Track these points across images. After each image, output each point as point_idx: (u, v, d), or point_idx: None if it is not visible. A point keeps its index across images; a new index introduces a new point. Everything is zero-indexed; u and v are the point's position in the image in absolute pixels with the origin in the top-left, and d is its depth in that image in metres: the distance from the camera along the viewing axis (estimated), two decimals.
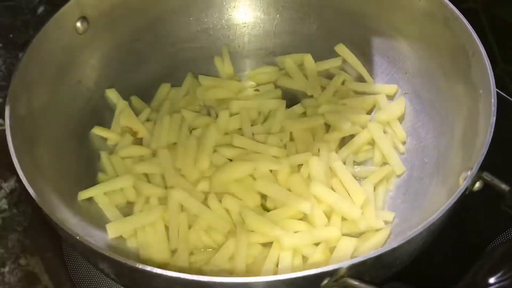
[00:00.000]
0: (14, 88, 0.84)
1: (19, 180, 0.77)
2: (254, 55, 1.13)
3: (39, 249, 0.95)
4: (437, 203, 0.84)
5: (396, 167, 0.95)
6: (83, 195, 0.90)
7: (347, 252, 0.81)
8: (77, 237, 0.67)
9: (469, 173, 0.73)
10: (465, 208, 0.74)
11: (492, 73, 0.80)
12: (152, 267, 0.62)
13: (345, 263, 0.63)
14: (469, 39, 0.86)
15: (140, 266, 0.63)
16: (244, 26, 1.12)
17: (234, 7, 1.11)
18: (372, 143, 0.98)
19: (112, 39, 1.03)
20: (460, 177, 0.77)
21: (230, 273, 0.81)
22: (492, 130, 0.74)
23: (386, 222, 0.89)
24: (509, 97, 1.03)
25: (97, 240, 0.83)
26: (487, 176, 0.72)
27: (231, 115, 1.01)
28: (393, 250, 0.65)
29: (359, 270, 0.65)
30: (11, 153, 0.77)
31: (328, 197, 0.87)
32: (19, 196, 1.00)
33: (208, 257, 0.84)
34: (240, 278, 0.63)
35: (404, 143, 0.99)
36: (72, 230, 0.70)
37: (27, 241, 0.96)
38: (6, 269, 0.92)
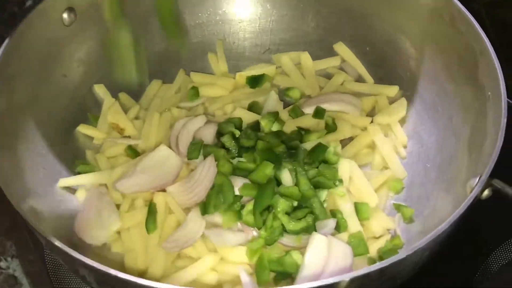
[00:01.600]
0: None
1: None
2: (249, 53, 1.09)
3: (21, 251, 0.91)
4: (440, 211, 0.82)
5: (397, 171, 0.91)
6: (63, 182, 0.87)
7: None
8: (56, 243, 0.61)
9: (477, 180, 0.69)
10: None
11: (502, 73, 0.76)
12: (137, 278, 0.57)
13: (346, 276, 0.59)
14: (476, 38, 0.82)
15: (124, 276, 0.58)
16: (240, 22, 1.08)
17: (229, 1, 1.07)
18: (372, 146, 0.94)
19: (100, 32, 0.98)
20: (467, 184, 0.73)
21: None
22: (503, 134, 0.70)
23: (388, 229, 0.85)
24: None
25: (79, 246, 0.80)
26: (497, 183, 0.67)
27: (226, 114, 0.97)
28: (399, 261, 0.61)
29: (362, 283, 0.60)
30: None
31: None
32: (1, 196, 0.95)
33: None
34: None
35: (405, 146, 0.95)
36: (50, 235, 0.65)
37: (8, 243, 0.92)
38: None
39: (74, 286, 0.88)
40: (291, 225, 0.80)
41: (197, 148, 0.90)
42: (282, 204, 0.81)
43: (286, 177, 0.85)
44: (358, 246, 0.80)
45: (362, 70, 1.03)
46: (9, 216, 0.92)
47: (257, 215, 0.81)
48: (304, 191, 0.83)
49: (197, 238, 0.81)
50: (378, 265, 0.59)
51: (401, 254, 0.61)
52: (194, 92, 1.01)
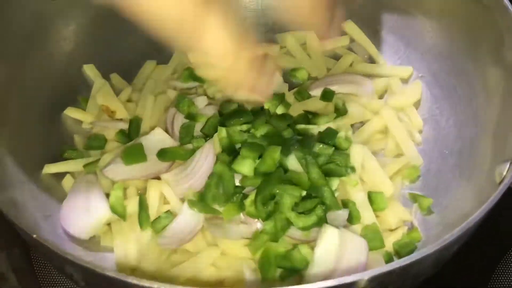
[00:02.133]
0: None
1: None
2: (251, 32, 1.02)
3: (7, 245, 0.86)
4: (461, 201, 0.76)
5: (412, 158, 0.85)
6: (49, 168, 0.82)
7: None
8: (36, 238, 0.54)
9: (508, 166, 0.62)
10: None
11: None
12: (128, 276, 0.51)
13: (366, 274, 0.52)
14: (503, 13, 0.75)
15: (113, 274, 0.51)
16: None
17: None
18: (384, 131, 0.88)
19: (90, 7, 0.92)
20: (495, 171, 0.66)
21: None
22: None
23: (404, 221, 0.79)
24: None
25: (65, 243, 0.74)
26: None
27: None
28: (423, 258, 0.54)
29: (382, 281, 0.53)
30: None
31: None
32: None
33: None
34: None
35: (420, 132, 0.88)
36: (30, 229, 0.59)
37: None
38: None
39: (61, 280, 0.83)
40: (301, 222, 0.73)
41: (190, 132, 0.83)
42: (287, 199, 0.74)
43: (294, 163, 0.77)
44: (373, 239, 0.73)
45: (373, 50, 0.97)
46: None
47: (259, 205, 0.74)
48: (314, 180, 0.76)
49: (196, 232, 0.75)
50: (401, 261, 0.53)
51: (425, 251, 0.54)
52: (189, 73, 0.94)
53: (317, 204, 0.74)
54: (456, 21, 0.86)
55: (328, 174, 0.78)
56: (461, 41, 0.86)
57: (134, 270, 0.73)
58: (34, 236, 0.56)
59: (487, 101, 0.79)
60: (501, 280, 0.83)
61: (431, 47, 0.91)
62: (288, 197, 0.74)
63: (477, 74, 0.82)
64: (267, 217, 0.74)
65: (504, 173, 0.62)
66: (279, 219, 0.74)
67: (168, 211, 0.78)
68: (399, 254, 0.74)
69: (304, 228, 0.74)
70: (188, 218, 0.76)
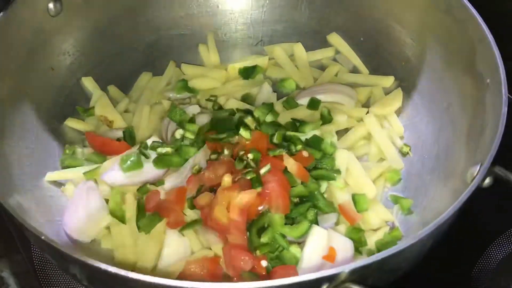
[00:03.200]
0: None
1: None
2: (241, 44, 1.06)
3: (8, 251, 0.89)
4: (439, 202, 0.80)
5: (394, 162, 0.89)
6: (51, 176, 0.85)
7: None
8: (45, 239, 0.59)
9: (478, 167, 0.67)
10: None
11: (501, 60, 0.74)
12: (128, 272, 0.55)
13: (346, 267, 0.57)
14: (475, 25, 0.80)
15: (114, 270, 0.55)
16: (231, 13, 1.06)
17: None
18: (368, 137, 0.93)
19: (88, 23, 0.96)
20: (467, 173, 0.71)
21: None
22: (505, 120, 0.68)
23: (386, 221, 0.83)
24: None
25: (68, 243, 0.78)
26: (500, 170, 0.66)
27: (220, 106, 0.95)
28: (399, 252, 0.59)
29: (362, 274, 0.58)
30: None
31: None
32: None
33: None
34: (228, 284, 0.56)
35: (402, 137, 0.93)
36: (38, 231, 0.62)
37: None
38: None
39: (63, 286, 0.86)
40: (294, 233, 0.77)
41: (180, 140, 0.87)
42: (277, 218, 0.78)
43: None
44: (356, 238, 0.78)
45: (357, 60, 1.02)
46: None
47: (254, 237, 0.77)
48: (309, 185, 0.81)
49: (187, 256, 0.78)
50: (378, 255, 0.57)
51: (402, 245, 0.59)
52: (183, 85, 0.98)
53: (309, 208, 0.79)
54: (433, 34, 0.90)
55: (318, 178, 0.82)
56: (438, 52, 0.90)
57: (133, 268, 0.77)
58: (43, 237, 0.60)
59: (462, 108, 0.84)
60: (481, 275, 0.86)
61: (411, 57, 0.95)
62: (277, 216, 0.78)
63: (453, 82, 0.86)
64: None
65: (475, 174, 0.67)
66: (273, 237, 0.77)
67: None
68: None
69: (299, 237, 0.78)
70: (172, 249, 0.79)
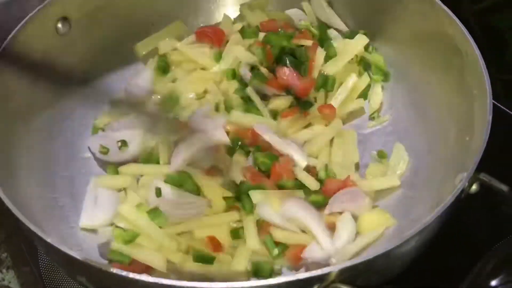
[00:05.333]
0: None
1: None
2: None
3: (16, 263, 0.92)
4: (429, 207, 0.81)
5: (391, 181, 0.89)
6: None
7: None
8: (49, 240, 0.62)
9: (465, 174, 0.70)
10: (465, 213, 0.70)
11: (487, 72, 0.77)
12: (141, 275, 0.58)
13: (336, 267, 0.59)
14: (463, 40, 0.83)
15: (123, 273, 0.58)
16: None
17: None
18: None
19: (95, 42, 0.99)
20: (455, 179, 0.73)
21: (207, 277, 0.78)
22: (489, 129, 0.71)
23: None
24: (503, 107, 1.00)
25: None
26: (485, 177, 0.68)
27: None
28: (386, 254, 0.61)
29: (351, 274, 0.61)
30: None
31: None
32: None
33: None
34: (228, 284, 0.59)
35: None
36: (48, 238, 0.65)
37: (4, 254, 0.93)
38: None
39: None
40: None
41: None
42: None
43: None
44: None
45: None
46: (5, 228, 0.94)
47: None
48: None
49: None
50: (366, 256, 0.60)
51: (388, 246, 0.61)
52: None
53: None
54: (423, 47, 0.93)
55: None
56: (427, 64, 0.93)
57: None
58: (51, 241, 0.63)
59: (451, 118, 0.86)
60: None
61: (400, 70, 0.99)
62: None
63: (442, 93, 0.89)
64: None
65: (456, 183, 0.69)
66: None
67: None
68: None
69: None
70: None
